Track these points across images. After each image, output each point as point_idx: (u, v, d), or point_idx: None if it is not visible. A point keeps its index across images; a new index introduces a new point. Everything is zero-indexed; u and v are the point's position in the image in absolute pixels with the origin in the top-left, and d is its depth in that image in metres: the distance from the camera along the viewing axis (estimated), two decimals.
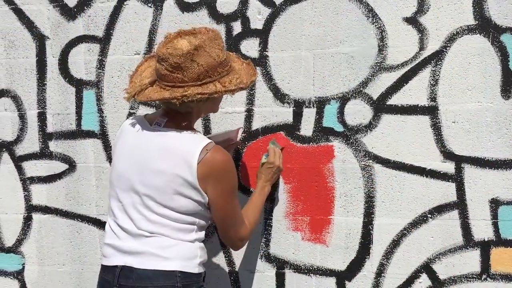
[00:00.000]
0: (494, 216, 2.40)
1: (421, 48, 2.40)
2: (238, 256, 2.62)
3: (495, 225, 2.40)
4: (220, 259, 2.65)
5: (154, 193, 2.10)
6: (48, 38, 2.75)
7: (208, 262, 2.62)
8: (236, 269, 2.64)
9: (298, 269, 2.58)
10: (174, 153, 2.08)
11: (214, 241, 2.60)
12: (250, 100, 2.57)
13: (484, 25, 2.34)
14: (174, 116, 2.15)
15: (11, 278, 2.88)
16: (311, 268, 2.56)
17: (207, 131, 2.62)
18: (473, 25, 2.35)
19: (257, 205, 2.38)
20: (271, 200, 2.57)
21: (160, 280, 2.05)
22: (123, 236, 2.14)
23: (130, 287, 2.07)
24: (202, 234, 2.18)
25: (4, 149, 2.83)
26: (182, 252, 2.11)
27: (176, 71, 2.06)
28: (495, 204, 2.40)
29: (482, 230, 2.41)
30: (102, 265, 2.18)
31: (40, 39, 2.75)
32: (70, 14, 2.71)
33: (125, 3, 2.65)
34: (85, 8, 2.69)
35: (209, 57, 2.06)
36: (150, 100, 2.15)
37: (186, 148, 2.09)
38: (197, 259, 2.13)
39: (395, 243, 2.48)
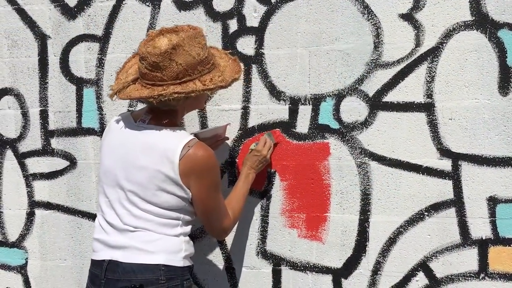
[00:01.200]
0: (492, 214, 2.31)
1: (417, 44, 2.31)
2: (235, 252, 2.57)
3: (493, 223, 2.31)
4: (217, 256, 2.60)
5: (138, 189, 2.08)
6: (49, 37, 2.72)
7: (204, 258, 2.60)
8: (233, 266, 2.58)
9: (294, 266, 2.51)
10: (157, 149, 2.06)
11: (211, 237, 2.54)
12: (246, 98, 2.50)
13: (481, 21, 2.25)
14: (158, 113, 2.12)
15: (14, 273, 2.87)
16: (307, 265, 2.50)
17: (204, 128, 2.56)
18: (470, 21, 2.26)
19: (242, 194, 2.34)
20: (267, 197, 2.51)
21: (144, 273, 2.03)
22: (110, 231, 2.13)
23: (116, 280, 2.04)
24: (187, 228, 2.16)
25: (7, 146, 2.81)
26: (167, 246, 2.08)
27: (155, 69, 2.03)
28: (493, 202, 2.30)
29: (479, 228, 2.32)
30: (91, 259, 2.16)
31: (42, 38, 2.73)
32: (70, 13, 2.68)
33: (123, 2, 2.60)
34: (85, 7, 2.66)
35: (188, 56, 2.03)
36: (130, 99, 2.14)
37: (168, 144, 2.06)
38: (182, 253, 2.11)
39: (392, 241, 2.40)
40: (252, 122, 2.51)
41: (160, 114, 2.11)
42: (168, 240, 2.10)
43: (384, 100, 2.37)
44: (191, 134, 2.22)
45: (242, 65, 2.41)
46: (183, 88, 2.03)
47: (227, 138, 2.53)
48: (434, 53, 2.30)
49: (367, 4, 2.35)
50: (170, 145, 2.05)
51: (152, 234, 2.08)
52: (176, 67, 2.02)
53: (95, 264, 2.14)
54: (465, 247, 2.35)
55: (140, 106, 2.59)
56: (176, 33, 2.07)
